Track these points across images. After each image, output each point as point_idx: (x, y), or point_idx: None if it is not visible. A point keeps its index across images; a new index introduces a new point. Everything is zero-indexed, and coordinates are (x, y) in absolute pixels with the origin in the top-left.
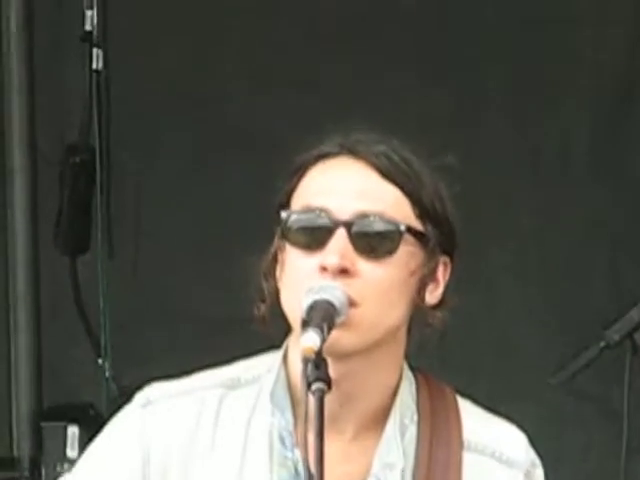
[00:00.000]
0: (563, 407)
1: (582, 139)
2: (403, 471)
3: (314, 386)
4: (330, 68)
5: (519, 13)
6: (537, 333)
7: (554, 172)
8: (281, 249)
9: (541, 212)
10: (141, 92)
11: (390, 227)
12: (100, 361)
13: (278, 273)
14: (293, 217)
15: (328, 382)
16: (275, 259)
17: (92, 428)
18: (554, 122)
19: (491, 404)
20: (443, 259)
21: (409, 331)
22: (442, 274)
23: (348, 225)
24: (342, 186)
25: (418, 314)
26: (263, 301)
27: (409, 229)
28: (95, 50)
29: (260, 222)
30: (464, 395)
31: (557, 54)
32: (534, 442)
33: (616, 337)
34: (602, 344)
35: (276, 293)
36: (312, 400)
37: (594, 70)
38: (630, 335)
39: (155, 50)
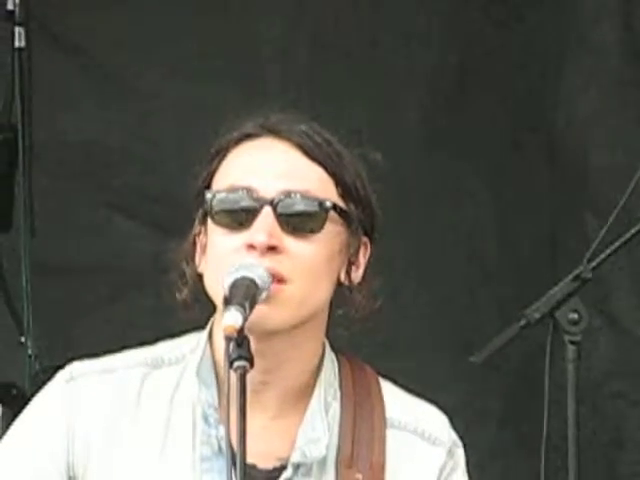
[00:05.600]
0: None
1: None
2: (328, 446)
3: (236, 364)
4: None
5: None
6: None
7: None
8: (202, 232)
9: None
10: (62, 70)
11: (315, 205)
12: (22, 339)
13: (198, 258)
14: (218, 197)
15: (250, 360)
16: (195, 244)
17: (15, 407)
18: None
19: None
20: (364, 240)
21: (330, 313)
22: (363, 255)
23: (274, 203)
24: (266, 165)
25: (339, 295)
26: (185, 285)
27: (334, 207)
28: (17, 29)
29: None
30: (387, 377)
31: None
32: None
33: (537, 315)
34: (522, 322)
35: (197, 277)
36: (234, 378)
37: None
38: (551, 314)
39: (77, 30)
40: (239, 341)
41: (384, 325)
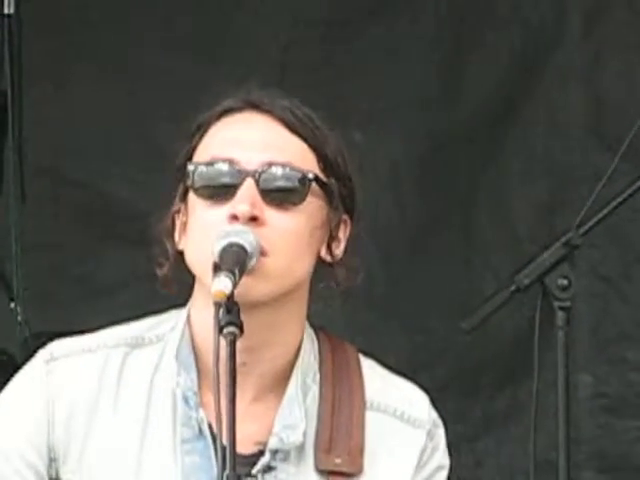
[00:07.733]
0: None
1: None
2: (305, 432)
3: (226, 330)
4: None
5: None
6: None
7: None
8: (182, 210)
9: None
10: (52, 36)
11: (298, 177)
12: (12, 305)
13: (177, 236)
14: (199, 169)
15: (240, 326)
16: (174, 221)
17: (5, 372)
18: None
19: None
20: (344, 217)
21: (311, 290)
22: (343, 232)
23: (256, 175)
24: (248, 137)
25: (319, 272)
26: (166, 261)
27: (316, 179)
28: None
29: None
30: (367, 354)
31: None
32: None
33: (526, 281)
34: (512, 288)
35: (176, 255)
36: (224, 344)
37: None
38: (540, 279)
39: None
40: (229, 307)
41: (377, 296)
